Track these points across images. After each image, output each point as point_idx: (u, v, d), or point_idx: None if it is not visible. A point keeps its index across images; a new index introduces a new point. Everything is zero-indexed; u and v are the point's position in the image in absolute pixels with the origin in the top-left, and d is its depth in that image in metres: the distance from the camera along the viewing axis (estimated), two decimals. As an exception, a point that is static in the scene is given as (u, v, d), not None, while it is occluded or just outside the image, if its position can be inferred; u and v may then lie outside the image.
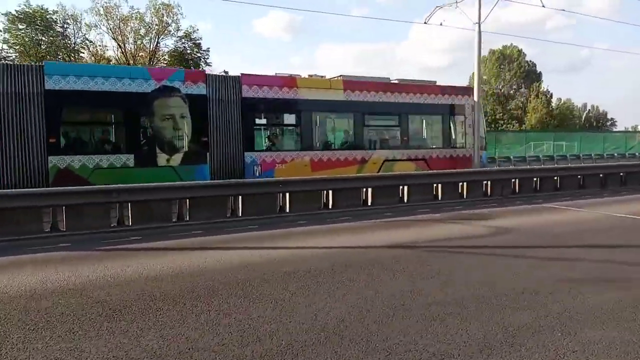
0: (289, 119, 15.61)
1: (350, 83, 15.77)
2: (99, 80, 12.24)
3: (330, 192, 12.16)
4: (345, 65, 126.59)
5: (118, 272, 6.60)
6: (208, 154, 13.45)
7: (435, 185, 13.68)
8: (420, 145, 17.31)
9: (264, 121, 15.66)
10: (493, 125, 59.83)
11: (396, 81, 16.97)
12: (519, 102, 62.93)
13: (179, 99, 13.17)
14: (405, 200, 13.22)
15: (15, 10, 38.22)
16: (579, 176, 16.42)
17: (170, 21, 43.42)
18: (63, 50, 40.51)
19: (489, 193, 14.48)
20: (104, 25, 41.73)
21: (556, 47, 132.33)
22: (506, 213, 12.00)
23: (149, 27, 43.34)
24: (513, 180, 15.04)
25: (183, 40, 44.96)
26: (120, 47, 43.07)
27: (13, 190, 9.81)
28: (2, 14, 39.56)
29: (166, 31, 43.86)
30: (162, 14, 43.12)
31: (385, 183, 12.92)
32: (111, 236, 9.31)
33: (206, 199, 10.62)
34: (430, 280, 6.11)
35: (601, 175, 17.02)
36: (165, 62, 43.89)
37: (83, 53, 42.31)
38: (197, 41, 45.30)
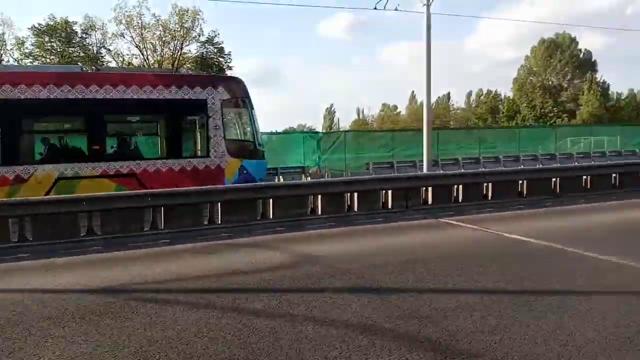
0: None
1: None
2: None
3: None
4: (405, 63, 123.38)
5: None
6: None
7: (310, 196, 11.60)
8: (125, 155, 12.96)
9: None
10: (542, 120, 54.82)
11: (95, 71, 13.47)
12: (570, 94, 57.09)
13: None
14: (271, 216, 11.19)
15: (39, 24, 39.82)
16: (520, 181, 13.29)
17: (193, 26, 43.66)
18: (85, 59, 41.60)
19: (389, 205, 12.04)
20: (128, 34, 42.52)
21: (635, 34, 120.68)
22: (352, 233, 9.85)
23: (173, 34, 43.72)
24: (423, 188, 12.47)
25: (206, 46, 45.10)
26: (142, 54, 43.74)
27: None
28: (28, 28, 41.33)
29: (189, 37, 44.13)
30: (185, 20, 43.36)
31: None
32: None
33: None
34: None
35: (553, 179, 13.75)
36: (190, 67, 44.02)
37: (107, 62, 43.25)
38: (219, 45, 45.27)
